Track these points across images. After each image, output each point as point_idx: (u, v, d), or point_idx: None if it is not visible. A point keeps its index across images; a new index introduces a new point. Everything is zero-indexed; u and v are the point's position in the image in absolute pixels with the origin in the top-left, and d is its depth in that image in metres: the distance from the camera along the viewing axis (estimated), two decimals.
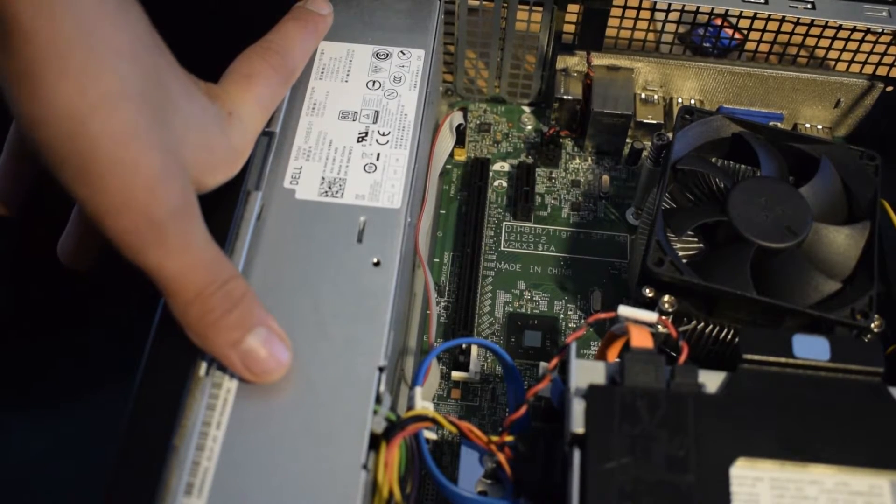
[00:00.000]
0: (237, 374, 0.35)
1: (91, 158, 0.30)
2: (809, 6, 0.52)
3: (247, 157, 0.40)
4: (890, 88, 0.57)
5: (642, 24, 0.57)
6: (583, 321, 0.52)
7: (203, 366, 0.36)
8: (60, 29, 0.29)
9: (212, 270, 0.34)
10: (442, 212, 0.57)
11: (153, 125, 0.32)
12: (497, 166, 0.59)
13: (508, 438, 0.37)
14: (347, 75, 0.46)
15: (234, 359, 0.35)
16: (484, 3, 0.55)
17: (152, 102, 0.32)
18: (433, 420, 0.36)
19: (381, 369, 0.37)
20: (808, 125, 0.59)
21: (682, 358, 0.36)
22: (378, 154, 0.44)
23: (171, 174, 0.33)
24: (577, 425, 0.34)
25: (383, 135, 0.44)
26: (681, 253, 0.46)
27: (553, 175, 0.59)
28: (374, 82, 0.46)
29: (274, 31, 0.43)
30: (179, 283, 0.33)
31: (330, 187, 0.42)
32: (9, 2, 0.28)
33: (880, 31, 0.53)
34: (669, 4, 0.54)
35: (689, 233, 0.47)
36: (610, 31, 0.56)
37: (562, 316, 0.52)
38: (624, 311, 0.38)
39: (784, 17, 0.52)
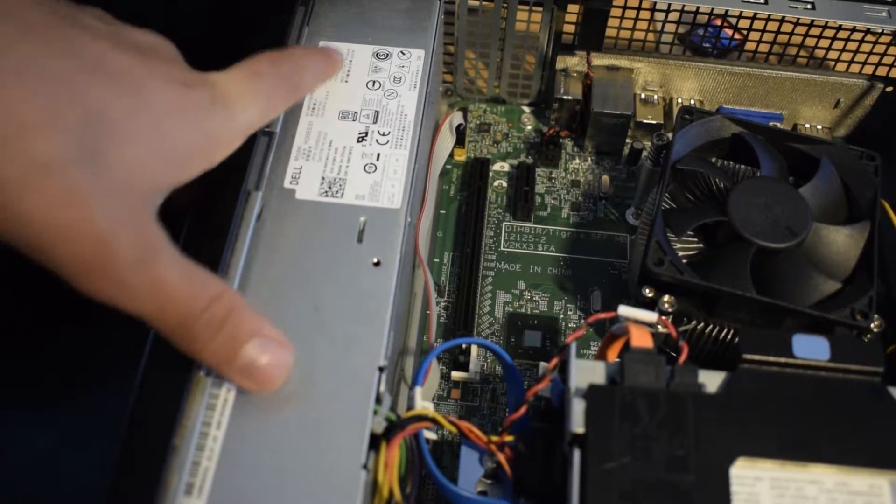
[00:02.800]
0: (241, 388, 0.35)
1: (33, 234, 0.30)
2: (809, 6, 0.52)
3: (230, 149, 0.38)
4: (890, 88, 0.57)
5: (642, 24, 0.57)
6: (583, 321, 0.52)
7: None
8: None
9: (188, 302, 0.33)
10: (442, 212, 0.57)
11: (93, 175, 0.31)
12: (497, 166, 0.59)
13: (508, 438, 0.37)
14: (347, 75, 0.46)
15: (233, 375, 0.35)
16: (484, 3, 0.55)
17: (85, 153, 0.31)
18: (433, 420, 0.36)
19: (381, 369, 0.37)
20: (807, 125, 0.59)
21: (682, 358, 0.36)
22: (378, 154, 0.44)
23: (122, 225, 0.32)
24: (577, 425, 0.34)
25: (383, 135, 0.44)
26: (681, 253, 0.46)
27: (553, 175, 0.59)
28: (374, 82, 0.46)
29: (290, 48, 0.43)
30: (157, 322, 0.33)
31: (330, 187, 0.42)
32: None
33: (880, 31, 0.53)
34: (669, 4, 0.54)
35: (689, 233, 0.47)
36: (610, 32, 0.56)
37: (562, 316, 0.52)
38: (624, 311, 0.38)
39: (784, 17, 0.52)
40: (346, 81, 0.46)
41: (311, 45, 0.46)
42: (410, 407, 0.37)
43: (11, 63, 0.30)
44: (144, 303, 0.33)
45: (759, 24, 0.54)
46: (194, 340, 0.34)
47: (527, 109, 0.62)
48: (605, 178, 0.58)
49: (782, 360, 0.36)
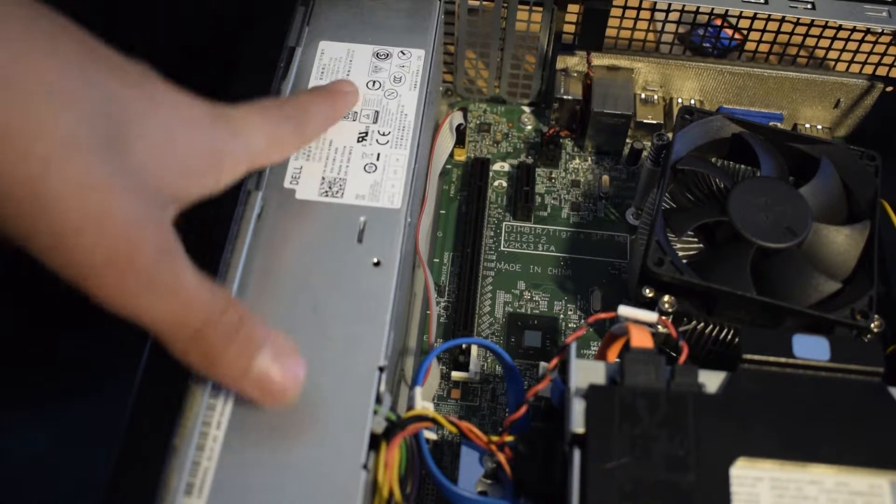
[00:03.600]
0: (257, 402, 0.34)
1: (58, 221, 0.28)
2: (809, 6, 0.52)
3: (235, 171, 0.37)
4: (890, 88, 0.57)
5: (642, 24, 0.57)
6: (583, 321, 0.52)
7: None
8: None
9: (205, 307, 0.32)
10: (442, 212, 0.57)
11: (114, 164, 0.30)
12: (497, 166, 0.59)
13: (508, 438, 0.37)
14: (347, 75, 0.46)
15: (247, 387, 0.33)
16: (484, 3, 0.56)
17: (106, 137, 0.30)
18: (433, 420, 0.36)
19: (381, 369, 0.37)
20: (808, 125, 0.59)
21: (682, 358, 0.36)
22: (378, 154, 0.44)
23: (144, 219, 0.31)
24: (577, 425, 0.34)
25: (383, 135, 0.44)
26: (681, 253, 0.46)
27: (553, 175, 0.59)
28: (374, 82, 0.46)
29: (297, 93, 0.42)
30: (175, 329, 0.32)
31: (330, 187, 0.42)
32: None
33: (880, 31, 0.53)
34: (669, 4, 0.54)
35: (689, 233, 0.47)
36: (610, 31, 0.56)
37: (562, 316, 0.52)
38: (624, 311, 0.38)
39: (784, 17, 0.52)
40: None
41: (319, 87, 0.45)
42: (410, 407, 0.37)
43: (43, 26, 0.29)
44: (164, 307, 0.31)
45: (759, 24, 0.54)
46: (210, 349, 0.32)
47: (527, 109, 0.62)
48: (605, 178, 0.58)
49: (782, 360, 0.36)
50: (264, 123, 0.38)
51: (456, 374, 0.49)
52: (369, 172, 0.43)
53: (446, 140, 0.56)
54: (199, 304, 0.32)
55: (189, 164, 0.34)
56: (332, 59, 0.47)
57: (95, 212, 0.29)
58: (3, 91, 0.27)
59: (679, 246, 0.47)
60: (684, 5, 0.53)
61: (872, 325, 0.42)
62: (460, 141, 0.58)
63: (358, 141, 0.44)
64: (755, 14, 0.53)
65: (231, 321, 0.33)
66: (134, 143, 0.31)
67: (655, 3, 0.55)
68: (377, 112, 0.45)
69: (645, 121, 0.58)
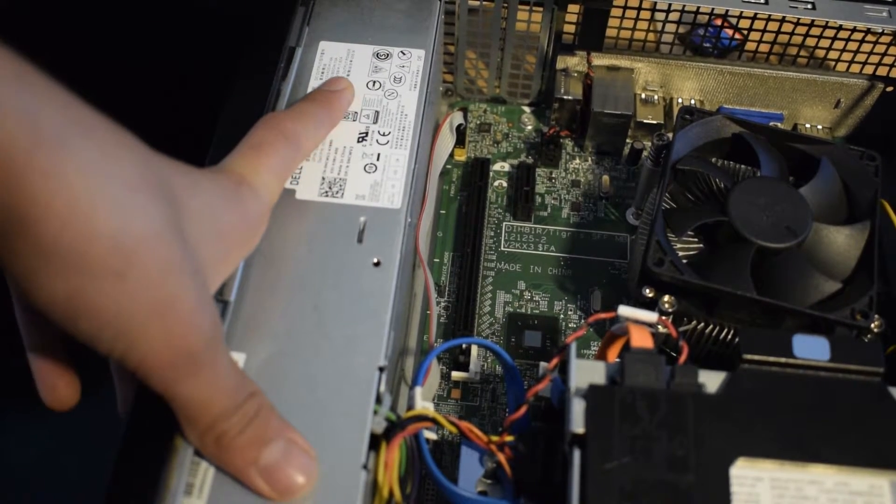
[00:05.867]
0: (263, 495, 0.33)
1: (133, 314, 0.29)
2: (809, 6, 0.52)
3: (264, 228, 0.38)
4: (890, 88, 0.57)
5: (642, 24, 0.57)
6: (583, 321, 0.52)
7: None
8: (78, 198, 0.27)
9: (232, 395, 0.33)
10: (442, 212, 0.57)
11: (179, 249, 0.30)
12: (497, 166, 0.59)
13: (508, 438, 0.37)
14: (347, 75, 0.46)
15: (254, 477, 0.33)
16: (484, 3, 0.56)
17: (173, 222, 0.30)
18: (433, 420, 0.36)
19: (381, 369, 0.37)
20: (808, 125, 0.59)
21: (682, 358, 0.36)
22: (378, 154, 0.44)
23: (204, 299, 0.31)
24: (577, 425, 0.34)
25: (383, 135, 0.44)
26: (681, 253, 0.46)
27: (553, 175, 0.59)
28: (374, 82, 0.46)
29: (287, 108, 0.42)
30: (201, 411, 0.32)
31: (330, 187, 0.42)
32: (22, 198, 0.26)
33: (880, 31, 0.53)
34: (669, 4, 0.54)
35: (689, 233, 0.47)
36: (610, 32, 0.56)
37: (562, 316, 0.52)
38: (624, 311, 0.38)
39: (784, 17, 0.53)
40: None
41: (316, 92, 0.44)
42: (410, 407, 0.37)
43: (110, 124, 0.29)
44: (197, 391, 0.31)
45: (759, 24, 0.54)
46: (223, 436, 0.32)
47: (527, 109, 0.62)
48: (606, 178, 0.58)
49: (782, 360, 0.36)
50: (272, 166, 0.38)
51: (456, 374, 0.49)
52: (369, 172, 0.43)
53: (446, 140, 0.56)
54: (225, 392, 0.33)
55: (231, 240, 0.35)
56: (332, 59, 0.47)
57: (166, 299, 0.29)
58: (89, 195, 0.27)
59: (679, 246, 0.47)
60: (684, 5, 0.53)
61: (872, 325, 0.42)
62: (460, 141, 0.58)
63: (358, 141, 0.44)
64: (755, 14, 0.53)
65: (248, 411, 0.33)
66: (186, 225, 0.31)
67: (655, 3, 0.55)
68: (377, 112, 0.45)
69: (645, 121, 0.58)
